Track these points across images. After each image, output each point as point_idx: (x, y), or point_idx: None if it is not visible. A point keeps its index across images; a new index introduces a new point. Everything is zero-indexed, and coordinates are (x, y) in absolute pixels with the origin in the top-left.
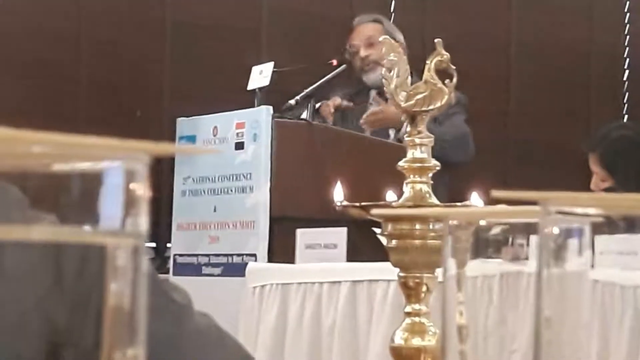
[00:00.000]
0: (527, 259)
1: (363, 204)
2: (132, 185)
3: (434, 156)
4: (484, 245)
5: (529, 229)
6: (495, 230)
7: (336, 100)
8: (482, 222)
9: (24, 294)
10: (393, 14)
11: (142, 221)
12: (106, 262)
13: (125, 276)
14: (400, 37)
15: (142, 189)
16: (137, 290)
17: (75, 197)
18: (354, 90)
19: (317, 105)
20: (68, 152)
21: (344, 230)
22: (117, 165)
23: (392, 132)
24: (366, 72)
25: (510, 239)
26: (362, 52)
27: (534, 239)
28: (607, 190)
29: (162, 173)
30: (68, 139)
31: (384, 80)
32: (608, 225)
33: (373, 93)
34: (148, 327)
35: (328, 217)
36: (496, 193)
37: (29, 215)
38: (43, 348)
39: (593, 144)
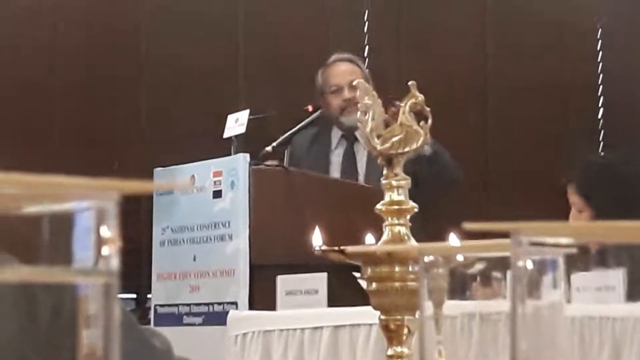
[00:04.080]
0: (505, 296)
1: (341, 247)
2: (102, 224)
3: (440, 171)
4: (461, 283)
5: (506, 263)
6: (472, 268)
7: None
8: (459, 259)
9: None
10: (367, 57)
11: (113, 259)
12: (79, 301)
13: (97, 314)
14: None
15: (113, 227)
16: (109, 328)
17: (47, 237)
18: (317, 131)
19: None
20: (38, 192)
21: (324, 276)
22: (87, 205)
23: (361, 174)
24: (348, 113)
25: (487, 276)
26: (347, 94)
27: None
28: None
29: (141, 224)
30: (37, 179)
31: (359, 123)
32: (583, 261)
33: (337, 135)
34: None
35: (308, 263)
36: (468, 225)
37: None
38: None
39: (571, 175)
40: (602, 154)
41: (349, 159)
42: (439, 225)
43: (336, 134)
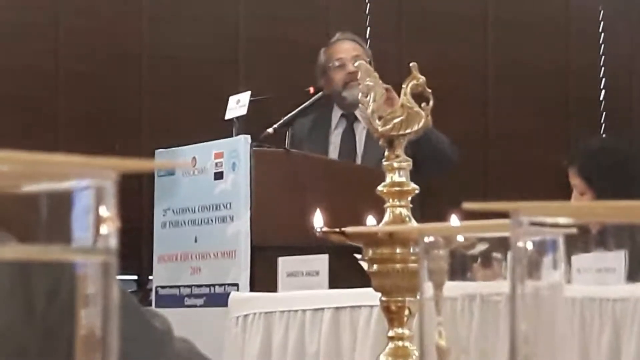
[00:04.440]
0: (505, 277)
1: (342, 229)
2: (101, 203)
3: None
4: (462, 265)
5: (506, 244)
6: (472, 249)
7: None
8: (459, 240)
9: None
10: (369, 40)
11: (112, 238)
12: (77, 280)
13: (96, 293)
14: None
15: (112, 207)
16: (108, 307)
17: (45, 216)
18: (317, 114)
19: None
20: (36, 171)
21: (325, 257)
22: (86, 183)
23: (359, 153)
24: (351, 87)
25: (487, 257)
26: (351, 67)
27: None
28: None
29: (142, 205)
30: (36, 157)
31: (360, 105)
32: (583, 242)
33: (337, 115)
34: (130, 354)
35: (309, 245)
36: (468, 205)
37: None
38: None
39: (572, 158)
40: (603, 136)
41: (348, 138)
42: (438, 210)
43: (336, 114)
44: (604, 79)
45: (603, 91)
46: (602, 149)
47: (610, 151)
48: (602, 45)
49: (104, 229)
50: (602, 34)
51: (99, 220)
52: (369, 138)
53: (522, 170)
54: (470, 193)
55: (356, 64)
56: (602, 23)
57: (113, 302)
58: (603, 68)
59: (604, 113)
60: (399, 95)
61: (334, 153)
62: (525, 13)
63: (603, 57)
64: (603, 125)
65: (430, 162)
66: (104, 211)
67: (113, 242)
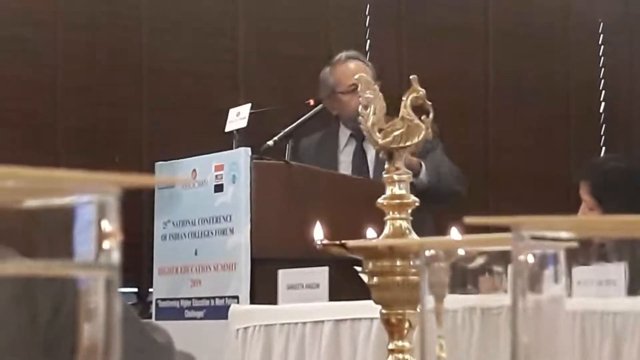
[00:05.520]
0: (506, 290)
1: (343, 241)
2: (103, 218)
3: (434, 189)
4: (462, 277)
5: (507, 257)
6: (473, 262)
7: None
8: (460, 253)
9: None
10: (369, 52)
11: (115, 253)
12: (79, 296)
13: (99, 308)
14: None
15: (114, 221)
16: (111, 322)
17: (47, 231)
18: (325, 131)
19: None
20: (39, 186)
21: (325, 270)
22: (88, 199)
23: (371, 171)
24: None
25: (488, 270)
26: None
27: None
28: None
29: (142, 218)
30: (38, 173)
31: (360, 117)
32: (584, 255)
33: (346, 134)
34: None
35: (309, 257)
36: (469, 220)
37: (1, 252)
38: None
39: (584, 173)
40: (619, 155)
41: (360, 157)
42: (439, 222)
43: (344, 132)
44: (603, 91)
45: (603, 103)
46: (615, 169)
47: (623, 171)
48: (602, 57)
49: (106, 244)
50: (602, 46)
51: (101, 235)
52: (378, 156)
53: (522, 182)
54: (471, 205)
55: (356, 77)
56: (601, 35)
57: (115, 316)
58: (603, 80)
59: (604, 125)
60: (399, 108)
61: (345, 172)
62: (525, 25)
63: (603, 69)
64: (603, 137)
65: (438, 199)
66: (106, 226)
67: (115, 257)
